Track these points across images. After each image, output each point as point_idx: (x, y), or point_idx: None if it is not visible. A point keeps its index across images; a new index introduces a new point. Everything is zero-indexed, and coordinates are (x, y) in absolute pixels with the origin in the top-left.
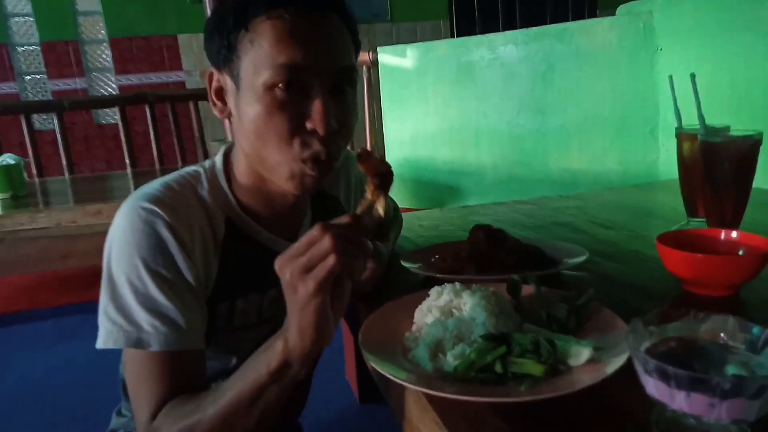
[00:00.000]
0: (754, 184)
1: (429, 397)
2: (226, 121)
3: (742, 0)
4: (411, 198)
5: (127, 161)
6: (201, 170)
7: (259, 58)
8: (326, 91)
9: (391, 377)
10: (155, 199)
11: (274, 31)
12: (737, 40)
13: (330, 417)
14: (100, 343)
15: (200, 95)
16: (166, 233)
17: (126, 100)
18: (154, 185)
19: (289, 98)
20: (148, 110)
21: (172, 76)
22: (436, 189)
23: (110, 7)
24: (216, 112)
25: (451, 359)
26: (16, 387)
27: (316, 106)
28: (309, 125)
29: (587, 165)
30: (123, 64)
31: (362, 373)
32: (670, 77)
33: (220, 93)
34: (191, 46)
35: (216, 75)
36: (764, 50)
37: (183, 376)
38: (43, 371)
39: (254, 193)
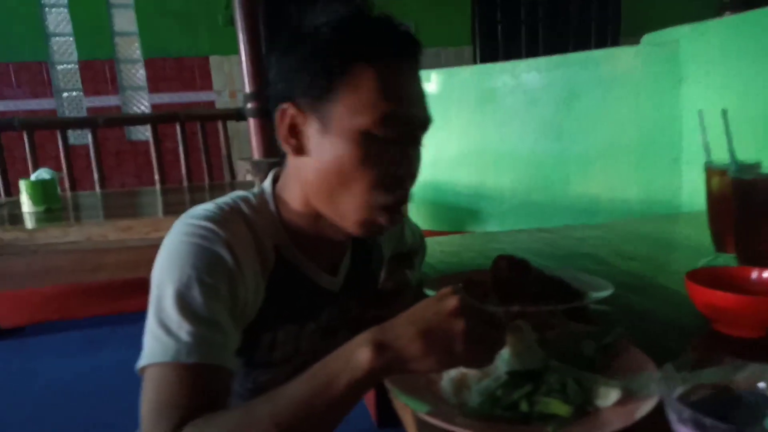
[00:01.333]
0: None
1: None
2: (254, 141)
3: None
4: (431, 221)
5: (157, 177)
6: (251, 195)
7: (359, 102)
8: (413, 141)
9: (413, 408)
10: (212, 219)
11: (378, 78)
12: (762, 72)
13: None
14: (141, 363)
15: (229, 115)
16: (224, 251)
17: (158, 118)
18: (207, 206)
19: (385, 146)
20: (178, 128)
21: (203, 96)
22: (456, 212)
23: (146, 28)
24: (288, 149)
25: (475, 395)
26: (44, 392)
27: (406, 157)
28: (393, 174)
29: (608, 193)
30: (156, 83)
31: (381, 397)
32: (700, 112)
33: (294, 129)
34: (222, 66)
35: (292, 111)
36: None
37: (213, 393)
38: (71, 379)
39: (304, 225)
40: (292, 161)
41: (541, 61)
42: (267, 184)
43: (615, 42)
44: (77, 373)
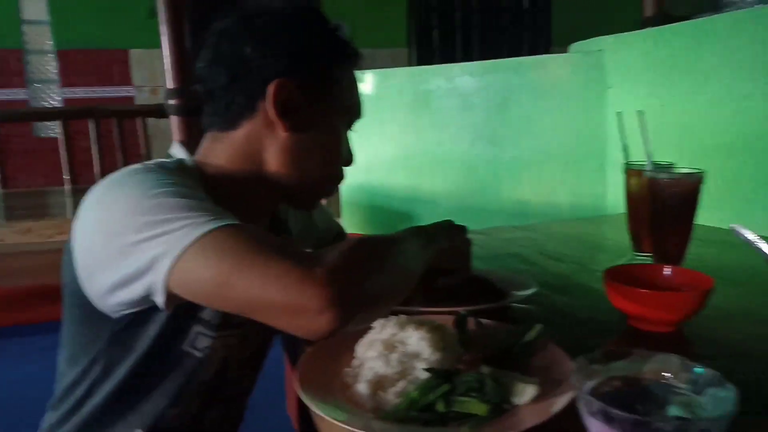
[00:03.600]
0: (697, 221)
1: None
2: (176, 140)
3: (685, 43)
4: (365, 224)
5: (67, 177)
6: (168, 163)
7: (345, 92)
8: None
9: (324, 416)
10: (154, 165)
11: (354, 79)
12: (681, 81)
13: None
14: (168, 260)
15: (148, 111)
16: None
17: (69, 113)
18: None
19: (346, 131)
20: (92, 125)
21: (122, 92)
22: (390, 216)
23: (59, 17)
24: (280, 124)
25: (392, 397)
26: None
27: (349, 141)
28: (349, 153)
29: (539, 197)
30: (69, 76)
31: (304, 407)
32: (619, 114)
33: (287, 106)
34: (143, 61)
35: (290, 87)
36: (705, 92)
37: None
38: None
39: (227, 198)
40: (256, 134)
41: (475, 66)
42: (183, 155)
43: (546, 50)
44: None
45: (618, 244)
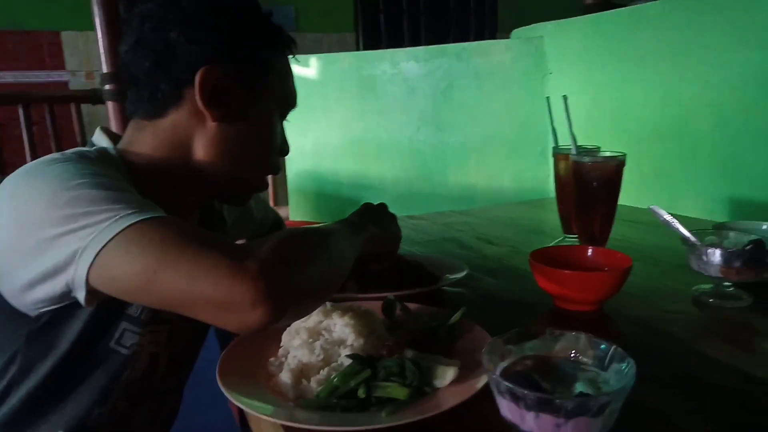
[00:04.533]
0: (622, 201)
1: (286, 429)
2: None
3: (620, 30)
4: (313, 211)
5: None
6: (89, 152)
7: (281, 82)
8: None
9: (245, 408)
10: (72, 154)
11: (288, 69)
12: (616, 67)
13: None
14: (88, 255)
15: (83, 97)
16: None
17: None
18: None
19: (281, 122)
20: (21, 111)
21: (54, 76)
22: (339, 202)
23: None
24: (208, 113)
25: (314, 385)
26: None
27: (284, 134)
28: (284, 144)
29: (485, 181)
30: None
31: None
32: (547, 98)
33: (216, 93)
34: (77, 43)
35: (218, 74)
36: (638, 77)
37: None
38: None
39: (153, 189)
40: (183, 123)
41: (420, 51)
42: (106, 143)
43: (493, 36)
44: None
45: (552, 227)
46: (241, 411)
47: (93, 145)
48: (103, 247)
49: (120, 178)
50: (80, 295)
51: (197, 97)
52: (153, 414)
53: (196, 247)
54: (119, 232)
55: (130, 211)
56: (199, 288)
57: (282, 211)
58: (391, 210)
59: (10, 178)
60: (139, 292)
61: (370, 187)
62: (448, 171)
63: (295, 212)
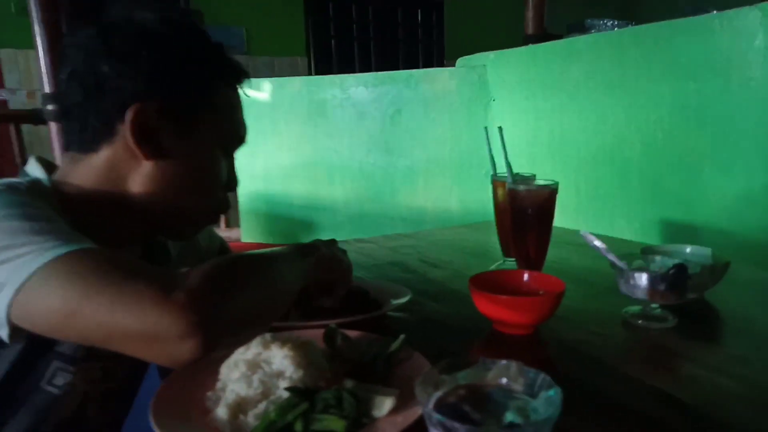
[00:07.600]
0: (561, 224)
1: None
2: (56, 148)
3: (556, 60)
4: (264, 233)
5: None
6: (19, 183)
7: (222, 118)
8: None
9: None
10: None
11: (235, 102)
12: (553, 96)
13: None
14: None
15: (23, 116)
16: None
17: None
18: None
19: (228, 158)
20: None
21: None
22: (290, 224)
23: None
24: (138, 151)
25: (252, 420)
26: None
27: (232, 168)
28: (231, 180)
29: (432, 203)
30: None
31: None
32: (485, 128)
33: (145, 130)
34: (16, 61)
35: (147, 112)
36: (570, 106)
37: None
38: None
39: (90, 224)
40: (117, 159)
41: (368, 77)
42: (40, 174)
43: (441, 63)
44: None
45: (493, 250)
46: None
47: (26, 174)
48: (25, 281)
49: (49, 210)
50: (2, 333)
51: (128, 135)
52: None
53: (122, 277)
54: (41, 266)
55: (54, 244)
56: (122, 321)
57: (233, 233)
58: (342, 232)
59: None
60: (63, 327)
61: (322, 208)
62: (397, 194)
63: (246, 234)
